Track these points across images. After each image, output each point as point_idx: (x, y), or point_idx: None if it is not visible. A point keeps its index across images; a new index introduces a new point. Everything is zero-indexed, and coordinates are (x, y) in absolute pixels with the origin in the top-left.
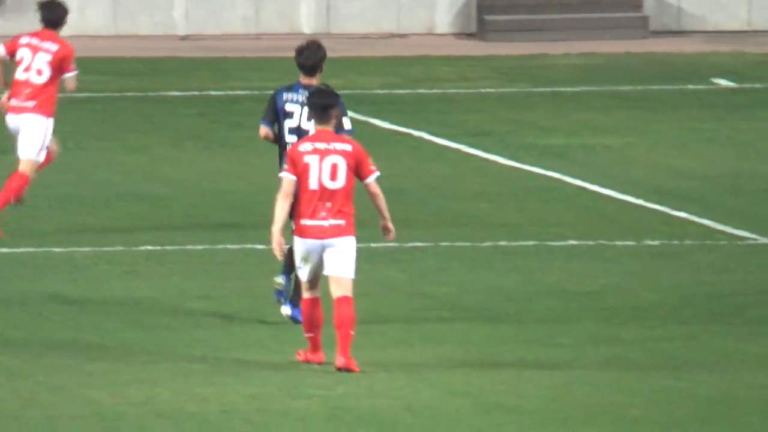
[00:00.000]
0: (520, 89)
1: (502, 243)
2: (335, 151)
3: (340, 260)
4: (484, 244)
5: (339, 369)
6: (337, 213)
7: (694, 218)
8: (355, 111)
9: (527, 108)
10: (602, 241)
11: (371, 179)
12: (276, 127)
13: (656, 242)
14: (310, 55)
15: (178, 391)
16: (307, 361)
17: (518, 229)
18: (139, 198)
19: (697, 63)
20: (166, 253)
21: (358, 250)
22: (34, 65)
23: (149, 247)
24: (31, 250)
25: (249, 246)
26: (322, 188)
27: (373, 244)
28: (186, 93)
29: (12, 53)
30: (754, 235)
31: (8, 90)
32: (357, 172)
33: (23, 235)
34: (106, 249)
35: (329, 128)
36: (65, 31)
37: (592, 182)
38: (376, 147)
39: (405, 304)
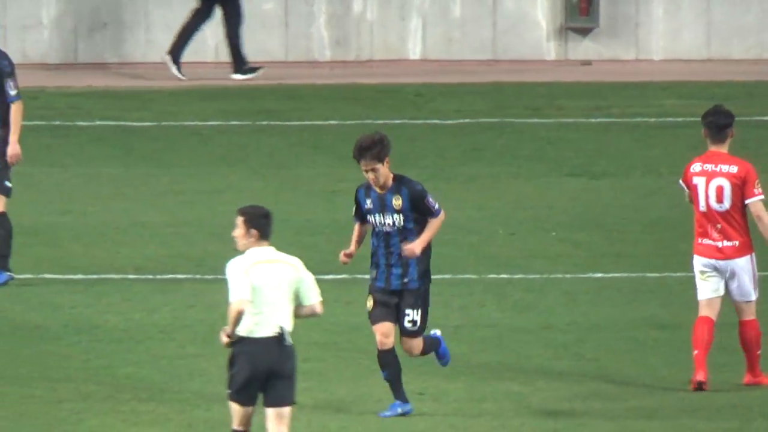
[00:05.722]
0: None
1: None
2: (721, 174)
3: (736, 284)
4: None
5: (746, 384)
6: (729, 234)
7: None
8: None
9: None
10: None
11: (749, 201)
12: None
13: None
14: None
15: None
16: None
17: None
18: None
19: None
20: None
21: None
22: None
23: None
24: (625, 275)
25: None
26: (710, 210)
27: None
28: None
29: None
30: None
31: None
32: (742, 192)
33: (619, 259)
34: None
35: (722, 149)
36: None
37: None
38: None
39: None
